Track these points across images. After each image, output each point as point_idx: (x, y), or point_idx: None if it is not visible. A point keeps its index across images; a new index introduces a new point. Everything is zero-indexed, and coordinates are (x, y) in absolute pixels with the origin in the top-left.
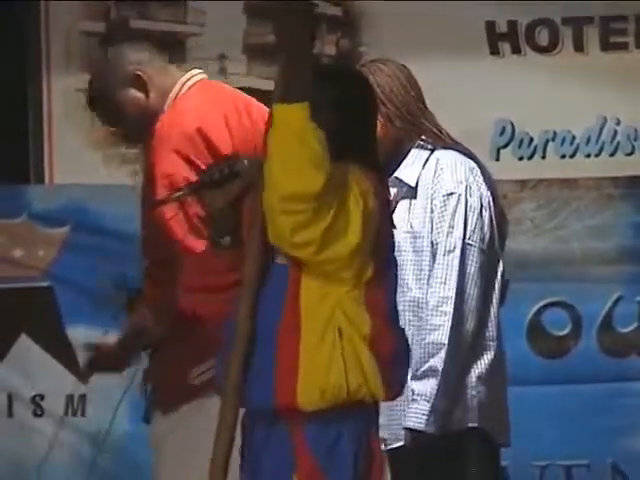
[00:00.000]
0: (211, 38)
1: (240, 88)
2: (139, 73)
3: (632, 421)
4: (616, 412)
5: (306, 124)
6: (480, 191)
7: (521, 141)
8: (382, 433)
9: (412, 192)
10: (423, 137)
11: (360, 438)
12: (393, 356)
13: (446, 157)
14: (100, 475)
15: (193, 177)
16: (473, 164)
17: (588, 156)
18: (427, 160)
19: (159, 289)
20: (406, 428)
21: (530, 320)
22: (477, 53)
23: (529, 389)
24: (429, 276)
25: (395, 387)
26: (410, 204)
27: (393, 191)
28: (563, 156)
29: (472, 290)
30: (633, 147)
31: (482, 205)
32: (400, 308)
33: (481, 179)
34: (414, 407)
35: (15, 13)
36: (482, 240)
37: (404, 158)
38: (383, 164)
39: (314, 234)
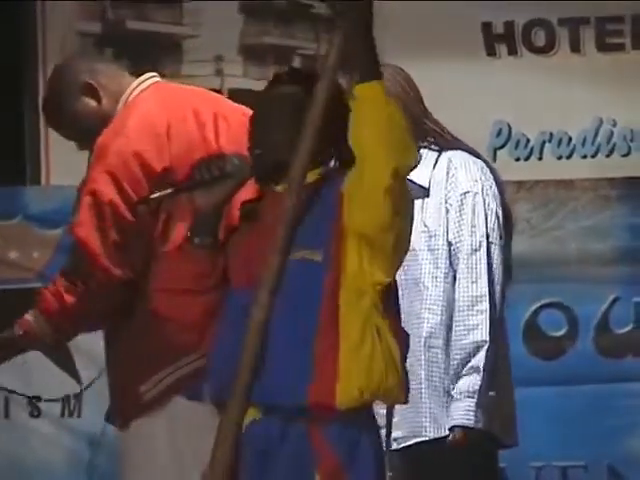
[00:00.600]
0: (207, 39)
1: (236, 89)
2: (90, 81)
3: (629, 422)
4: (613, 413)
5: (390, 100)
6: (493, 190)
7: (518, 142)
8: (398, 431)
9: (424, 192)
10: (428, 139)
11: (378, 440)
12: (405, 357)
13: (457, 157)
14: (97, 476)
15: (118, 201)
16: (482, 163)
17: (584, 157)
18: (437, 160)
19: (80, 302)
20: (454, 426)
21: (526, 321)
22: (474, 54)
23: (525, 390)
24: (445, 274)
25: (409, 388)
26: (423, 204)
27: None
28: (559, 157)
29: (498, 287)
30: (629, 148)
31: (496, 204)
32: (417, 307)
33: (491, 178)
34: (460, 405)
35: (11, 13)
36: (500, 238)
37: None
38: None
39: (403, 214)
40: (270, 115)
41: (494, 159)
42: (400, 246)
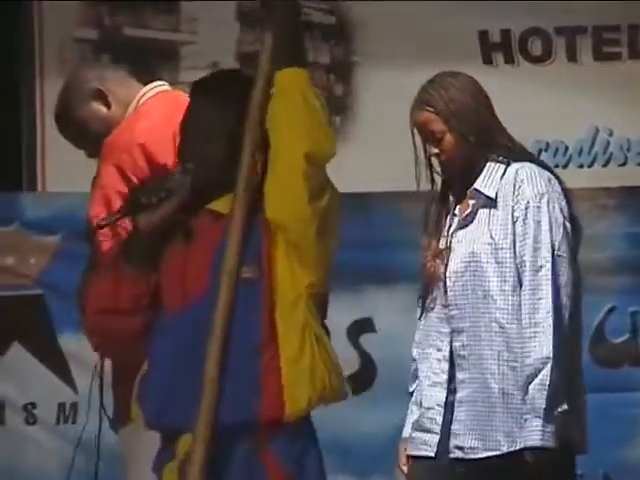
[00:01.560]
0: (204, 46)
1: None
2: (100, 87)
3: (625, 431)
4: (609, 422)
5: (310, 87)
6: (560, 202)
7: None
8: (465, 441)
9: (491, 203)
10: (498, 150)
11: (319, 447)
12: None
13: (525, 169)
14: None
15: (125, 191)
16: (550, 175)
17: (581, 167)
18: (504, 172)
19: None
20: (527, 448)
21: None
22: (470, 63)
23: None
24: (513, 287)
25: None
26: (490, 215)
27: (472, 202)
28: (556, 166)
29: (565, 301)
30: (626, 158)
31: (564, 216)
32: (486, 320)
33: (559, 189)
34: (530, 425)
35: (8, 19)
36: (569, 250)
37: (480, 171)
38: (457, 178)
39: (323, 204)
40: (200, 125)
41: None
42: (325, 241)
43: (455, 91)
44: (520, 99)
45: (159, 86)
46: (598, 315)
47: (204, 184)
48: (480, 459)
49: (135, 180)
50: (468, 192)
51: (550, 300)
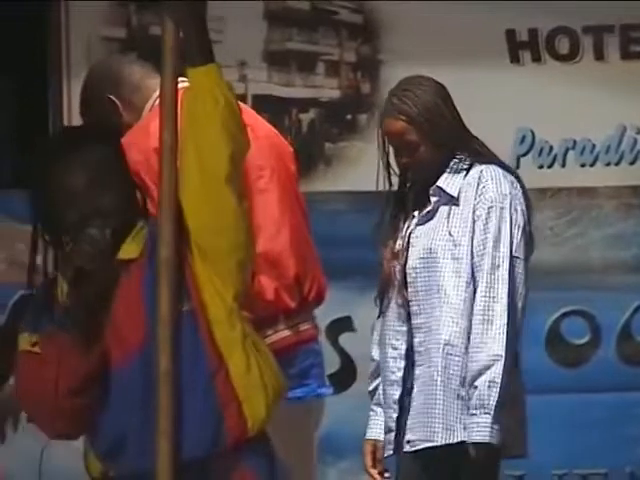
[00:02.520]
0: (231, 45)
1: (260, 95)
2: (111, 97)
3: None
4: (635, 421)
5: (224, 82)
6: (522, 205)
7: (541, 149)
8: (411, 434)
9: (453, 201)
10: (462, 152)
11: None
12: None
13: (489, 170)
14: None
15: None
16: (513, 178)
17: (608, 165)
18: (468, 172)
19: None
20: (472, 442)
21: (549, 329)
22: (497, 61)
23: (547, 398)
24: (467, 282)
25: None
26: (450, 212)
27: (434, 199)
28: (583, 165)
29: (518, 302)
30: None
31: (525, 220)
32: (437, 313)
33: (521, 193)
34: (477, 421)
35: (36, 19)
36: (525, 254)
37: (444, 169)
38: (421, 178)
39: (245, 206)
40: (83, 180)
41: (517, 166)
42: (248, 245)
43: (428, 98)
44: (547, 98)
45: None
46: (625, 313)
47: (117, 235)
48: (423, 450)
49: (151, 184)
50: (430, 190)
51: (505, 299)
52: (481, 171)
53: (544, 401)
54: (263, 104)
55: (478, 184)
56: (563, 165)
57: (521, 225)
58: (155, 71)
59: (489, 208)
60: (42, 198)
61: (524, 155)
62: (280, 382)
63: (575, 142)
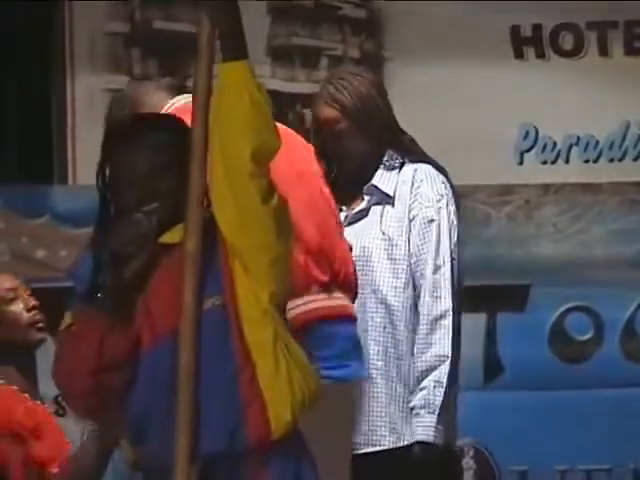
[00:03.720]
0: None
1: None
2: None
3: None
4: (638, 417)
5: (254, 80)
6: (454, 206)
7: (544, 145)
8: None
9: (388, 200)
10: (394, 149)
11: (312, 457)
12: None
13: (423, 170)
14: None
15: None
16: (444, 178)
17: (611, 161)
18: (400, 170)
19: None
20: (416, 442)
21: (552, 324)
22: (501, 57)
23: (550, 394)
24: (405, 284)
25: None
26: (383, 211)
27: (367, 198)
28: (586, 161)
29: (457, 302)
30: None
31: (457, 220)
32: (372, 314)
33: (452, 193)
34: (422, 421)
35: (40, 14)
36: (457, 254)
37: (375, 169)
38: (355, 175)
39: (273, 204)
40: (145, 164)
41: (521, 162)
42: (279, 244)
43: (363, 89)
44: (551, 94)
45: (177, 101)
46: (628, 309)
47: (166, 222)
48: (365, 454)
49: None
50: (364, 188)
51: (449, 300)
52: (415, 170)
53: (547, 397)
54: None
55: (412, 183)
56: (567, 161)
57: (456, 226)
58: (172, 93)
59: (427, 208)
60: (105, 179)
61: (527, 151)
62: (311, 387)
63: (579, 138)
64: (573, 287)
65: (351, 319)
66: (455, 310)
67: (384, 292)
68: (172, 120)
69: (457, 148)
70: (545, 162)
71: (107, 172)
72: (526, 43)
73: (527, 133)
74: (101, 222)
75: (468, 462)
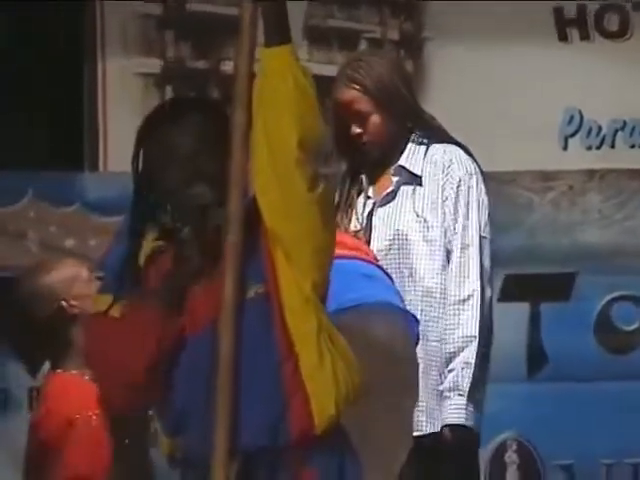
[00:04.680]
0: None
1: None
2: None
3: None
4: None
5: (299, 65)
6: (484, 185)
7: (589, 130)
8: None
9: (416, 181)
10: (419, 130)
11: (355, 452)
12: None
13: (452, 150)
14: None
15: None
16: (471, 159)
17: None
18: (426, 152)
19: None
20: (446, 425)
21: (598, 314)
22: (545, 39)
23: (596, 385)
24: (442, 266)
25: None
26: (414, 192)
27: (395, 179)
28: (632, 146)
29: (487, 283)
30: None
31: (487, 199)
32: (410, 297)
33: (480, 174)
34: (451, 403)
35: None
36: (490, 233)
37: (402, 150)
38: (380, 157)
39: (319, 193)
40: (199, 145)
41: (565, 147)
42: (324, 233)
43: (382, 70)
44: (596, 76)
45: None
46: None
47: (218, 205)
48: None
49: None
50: (391, 169)
51: (477, 279)
52: (444, 150)
53: (592, 389)
54: None
55: (443, 164)
56: (612, 146)
57: (486, 204)
58: None
59: (458, 187)
60: (147, 159)
61: (572, 136)
62: (355, 380)
63: (625, 123)
64: (619, 275)
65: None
66: (484, 290)
67: (422, 275)
68: (214, 103)
69: (499, 133)
70: (590, 147)
71: (145, 154)
72: (570, 25)
73: (571, 117)
74: (137, 209)
75: (511, 456)
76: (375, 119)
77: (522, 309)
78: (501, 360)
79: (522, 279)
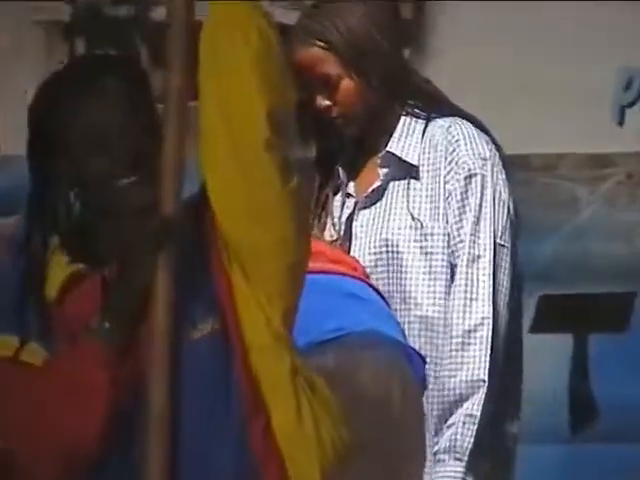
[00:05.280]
0: None
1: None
2: None
3: None
4: None
5: (259, 10)
6: (503, 174)
7: None
8: None
9: (412, 172)
10: (411, 101)
11: None
12: None
13: (458, 126)
14: None
15: None
16: (487, 137)
17: None
18: (425, 130)
19: None
20: None
21: None
22: None
23: None
24: (445, 286)
25: None
26: (409, 188)
27: (383, 171)
28: None
29: (503, 305)
30: None
31: (507, 193)
32: (404, 327)
33: (498, 157)
34: (445, 470)
35: None
36: (511, 239)
37: (392, 129)
38: (360, 137)
39: (298, 182)
40: (126, 119)
41: (621, 121)
42: (300, 240)
43: (355, 20)
44: None
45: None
46: None
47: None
48: None
49: None
50: (377, 158)
51: (488, 303)
52: (448, 128)
53: None
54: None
55: (446, 146)
56: None
57: (505, 200)
58: None
59: (466, 178)
60: (52, 142)
61: (630, 106)
62: (345, 437)
63: None
64: None
65: None
66: (499, 317)
67: (418, 298)
68: (136, 61)
69: (536, 103)
70: None
71: (51, 132)
72: None
73: (629, 81)
74: (40, 203)
75: None
76: (347, 85)
77: (563, 342)
78: (535, 413)
79: (563, 301)
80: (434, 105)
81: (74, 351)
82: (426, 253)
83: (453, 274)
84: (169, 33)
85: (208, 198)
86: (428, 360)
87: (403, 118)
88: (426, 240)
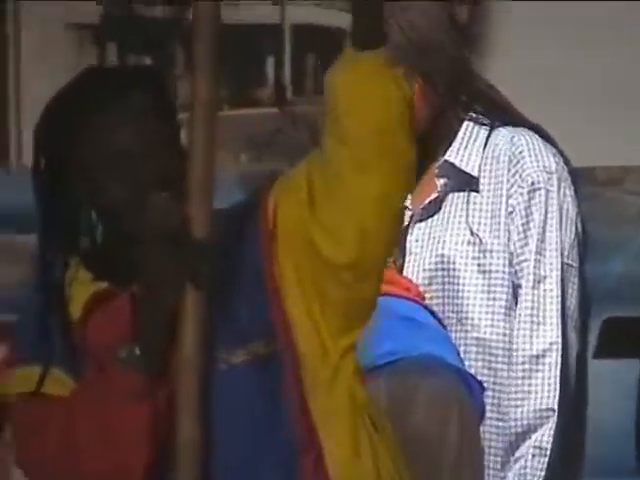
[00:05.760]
0: None
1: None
2: None
3: None
4: None
5: (386, 71)
6: (571, 189)
7: None
8: None
9: (472, 184)
10: (477, 108)
11: None
12: None
13: (523, 137)
14: None
15: None
16: (554, 149)
17: None
18: (487, 140)
19: None
20: None
21: None
22: None
23: None
24: (506, 308)
25: None
26: (469, 201)
27: (441, 182)
28: None
29: (574, 331)
30: None
31: (575, 210)
32: (460, 350)
33: (567, 171)
34: None
35: None
36: (579, 258)
37: (452, 137)
38: (421, 143)
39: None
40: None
41: None
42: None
43: (417, 15)
44: None
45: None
46: None
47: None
48: None
49: None
50: (434, 167)
51: (557, 327)
52: (512, 138)
53: None
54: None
55: (511, 157)
56: None
57: (573, 218)
58: None
59: (529, 192)
60: (68, 164)
61: None
62: (406, 478)
63: None
64: None
65: None
66: (568, 342)
67: (475, 320)
68: (158, 75)
69: (595, 104)
70: None
71: (68, 150)
72: None
73: None
74: (55, 225)
75: None
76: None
77: (630, 368)
78: (601, 444)
79: (630, 324)
80: (498, 112)
81: (106, 382)
82: (484, 271)
83: (514, 294)
84: (194, 39)
85: (265, 211)
86: (486, 386)
87: (466, 123)
88: (485, 257)
